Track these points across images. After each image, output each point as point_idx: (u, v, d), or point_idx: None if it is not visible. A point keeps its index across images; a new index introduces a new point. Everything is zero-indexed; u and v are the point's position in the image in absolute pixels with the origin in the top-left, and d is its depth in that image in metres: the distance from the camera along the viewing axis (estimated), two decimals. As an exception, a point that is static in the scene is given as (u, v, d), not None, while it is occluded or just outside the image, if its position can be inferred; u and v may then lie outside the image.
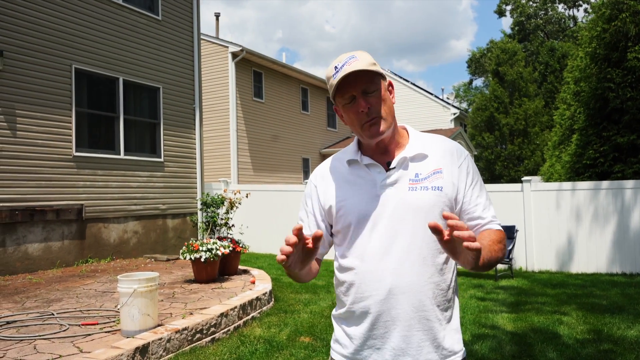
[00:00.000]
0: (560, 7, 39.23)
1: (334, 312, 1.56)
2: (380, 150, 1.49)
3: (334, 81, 1.40)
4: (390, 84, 1.51)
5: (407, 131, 1.55)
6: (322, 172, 1.59)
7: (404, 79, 27.28)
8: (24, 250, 7.49)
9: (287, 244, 1.23)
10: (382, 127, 1.41)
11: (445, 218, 1.17)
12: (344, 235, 1.48)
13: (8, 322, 4.58)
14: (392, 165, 1.45)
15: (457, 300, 1.50)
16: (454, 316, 1.46)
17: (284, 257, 1.22)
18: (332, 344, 1.56)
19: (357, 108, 1.41)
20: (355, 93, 1.41)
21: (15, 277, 7.11)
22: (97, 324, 4.53)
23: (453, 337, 1.45)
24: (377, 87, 1.42)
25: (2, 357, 3.65)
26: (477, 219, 1.47)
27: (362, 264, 1.43)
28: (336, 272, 1.53)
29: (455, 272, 1.49)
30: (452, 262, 1.46)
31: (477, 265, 1.26)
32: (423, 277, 1.39)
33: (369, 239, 1.42)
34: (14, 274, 7.32)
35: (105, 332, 4.28)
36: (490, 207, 1.50)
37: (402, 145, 1.50)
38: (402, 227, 1.40)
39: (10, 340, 4.07)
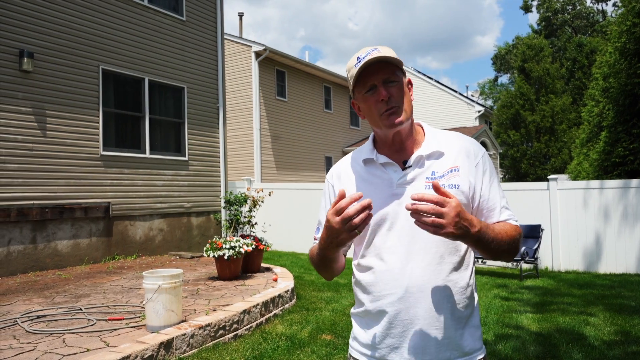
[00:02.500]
0: (589, 2, 38.39)
1: (352, 310, 1.57)
2: (396, 147, 1.48)
3: (356, 70, 1.41)
4: (410, 82, 1.51)
5: (422, 128, 1.54)
6: (338, 171, 1.60)
7: (428, 77, 26.94)
8: (54, 247, 7.70)
9: (362, 207, 1.21)
10: (402, 117, 1.41)
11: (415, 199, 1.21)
12: (362, 235, 1.47)
13: (38, 317, 4.72)
14: (408, 164, 1.45)
15: (476, 298, 1.48)
16: (473, 314, 1.45)
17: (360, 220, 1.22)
18: (350, 341, 1.57)
19: (377, 97, 1.41)
20: (377, 82, 1.41)
21: (46, 273, 7.32)
22: (123, 319, 4.63)
23: (473, 335, 1.43)
24: (398, 79, 1.43)
25: (32, 350, 3.76)
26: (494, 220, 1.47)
27: (380, 264, 1.43)
28: (354, 271, 1.54)
29: (473, 269, 1.48)
30: (469, 259, 1.46)
31: (473, 239, 1.26)
32: (441, 276, 1.39)
33: (387, 239, 1.42)
34: (44, 269, 7.53)
35: (131, 327, 4.38)
36: (507, 207, 1.49)
37: (418, 142, 1.49)
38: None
39: (41, 333, 4.19)
